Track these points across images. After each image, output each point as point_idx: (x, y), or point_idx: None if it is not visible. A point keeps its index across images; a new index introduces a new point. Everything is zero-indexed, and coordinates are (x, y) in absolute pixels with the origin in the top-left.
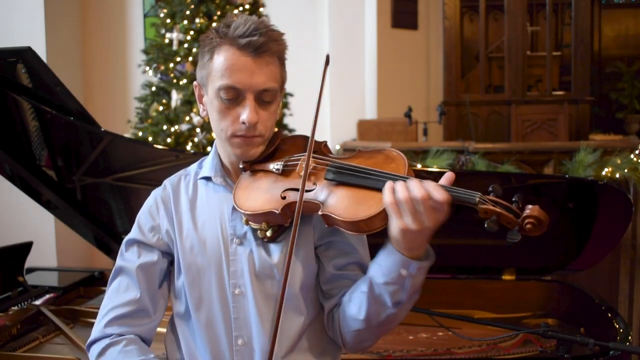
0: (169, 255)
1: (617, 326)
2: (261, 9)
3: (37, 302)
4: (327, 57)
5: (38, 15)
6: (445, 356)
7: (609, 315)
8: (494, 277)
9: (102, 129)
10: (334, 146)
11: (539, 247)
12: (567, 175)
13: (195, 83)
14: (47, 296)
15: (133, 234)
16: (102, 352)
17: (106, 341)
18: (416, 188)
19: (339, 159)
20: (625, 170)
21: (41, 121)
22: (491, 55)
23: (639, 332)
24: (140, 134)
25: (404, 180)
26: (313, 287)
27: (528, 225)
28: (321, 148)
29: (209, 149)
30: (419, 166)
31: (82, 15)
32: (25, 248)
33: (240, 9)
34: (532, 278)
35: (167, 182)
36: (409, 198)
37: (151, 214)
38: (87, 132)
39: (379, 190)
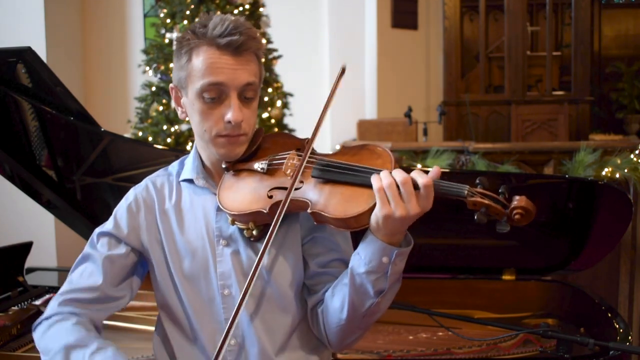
0: (139, 254)
1: (617, 326)
2: (261, 9)
3: (37, 302)
4: (343, 68)
5: (38, 15)
6: (445, 356)
7: (609, 315)
8: (494, 277)
9: (102, 129)
10: (334, 146)
11: (539, 247)
12: (567, 175)
13: (171, 85)
14: (47, 296)
15: (108, 226)
16: (50, 327)
17: (57, 317)
18: (399, 173)
19: (324, 157)
20: (625, 170)
21: (41, 121)
22: (491, 55)
23: (639, 332)
24: (140, 134)
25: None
26: (302, 285)
27: (517, 216)
28: (304, 145)
29: None
30: (419, 166)
31: (82, 15)
32: (25, 248)
33: (240, 9)
34: (532, 278)
35: (150, 183)
36: (392, 182)
37: (130, 212)
38: (87, 132)
39: (367, 186)
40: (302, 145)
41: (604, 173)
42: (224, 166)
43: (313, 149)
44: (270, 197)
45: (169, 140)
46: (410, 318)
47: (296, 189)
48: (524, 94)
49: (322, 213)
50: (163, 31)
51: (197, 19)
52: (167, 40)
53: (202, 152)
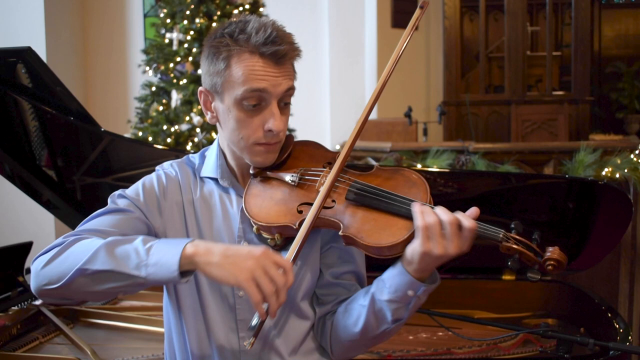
0: (155, 235)
1: (617, 326)
2: (261, 9)
3: (37, 302)
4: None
5: (38, 15)
6: (445, 356)
7: (609, 315)
8: (494, 277)
9: (102, 129)
10: (334, 146)
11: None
12: (567, 175)
13: (201, 89)
14: None
15: (131, 193)
16: (63, 250)
17: (70, 240)
18: (445, 213)
19: (359, 177)
20: (625, 170)
21: (41, 121)
22: (491, 55)
23: (639, 332)
24: (140, 134)
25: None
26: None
27: (549, 267)
28: (334, 160)
29: None
30: (419, 166)
31: (82, 15)
32: (25, 248)
33: (240, 9)
34: None
35: (177, 169)
36: (437, 221)
37: (162, 189)
38: (87, 132)
39: (402, 216)
40: (332, 160)
41: (604, 173)
42: (251, 172)
43: (346, 168)
44: (300, 212)
45: (169, 140)
46: (410, 318)
47: (328, 208)
48: (524, 94)
49: (355, 238)
50: (163, 31)
51: (196, 19)
52: (167, 40)
53: (227, 153)
